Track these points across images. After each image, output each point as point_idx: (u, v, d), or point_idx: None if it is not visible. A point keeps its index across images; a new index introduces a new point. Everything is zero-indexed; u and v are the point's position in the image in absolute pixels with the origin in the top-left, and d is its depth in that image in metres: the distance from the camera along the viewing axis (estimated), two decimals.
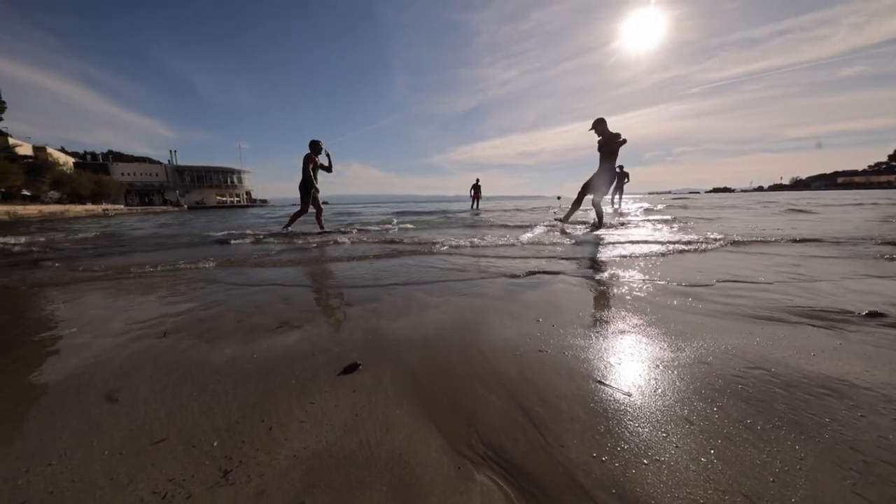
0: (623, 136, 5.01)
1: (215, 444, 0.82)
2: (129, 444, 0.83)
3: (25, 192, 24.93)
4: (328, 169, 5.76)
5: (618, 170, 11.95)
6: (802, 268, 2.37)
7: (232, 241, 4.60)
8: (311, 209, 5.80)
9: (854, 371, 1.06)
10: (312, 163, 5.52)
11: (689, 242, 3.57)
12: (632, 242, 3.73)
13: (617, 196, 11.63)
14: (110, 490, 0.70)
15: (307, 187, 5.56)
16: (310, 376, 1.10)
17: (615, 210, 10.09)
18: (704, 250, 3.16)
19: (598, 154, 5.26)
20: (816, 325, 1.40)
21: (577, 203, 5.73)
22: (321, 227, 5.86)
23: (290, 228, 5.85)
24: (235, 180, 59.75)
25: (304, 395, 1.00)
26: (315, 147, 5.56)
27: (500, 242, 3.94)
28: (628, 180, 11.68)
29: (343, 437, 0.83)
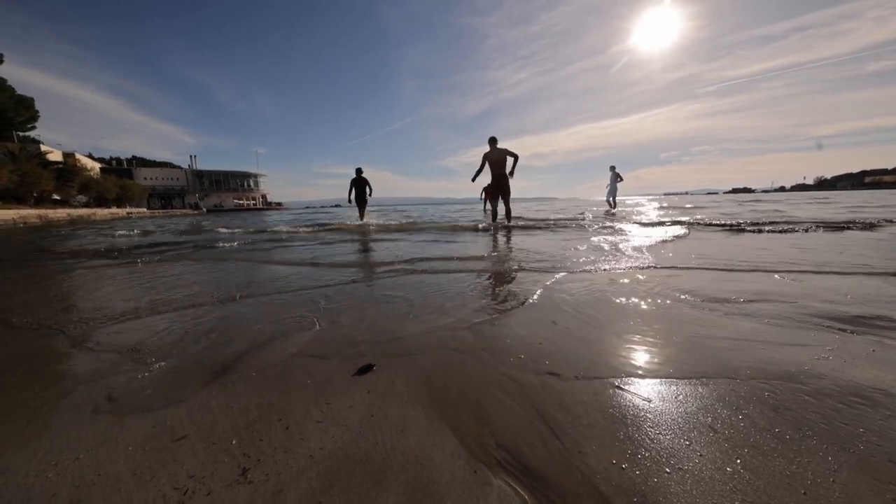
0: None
1: (234, 442, 0.83)
2: (152, 440, 0.85)
3: (56, 197, 26.06)
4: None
5: (610, 171, 12.34)
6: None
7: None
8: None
9: (890, 379, 1.01)
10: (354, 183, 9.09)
11: None
12: None
13: (612, 197, 12.72)
14: (134, 485, 0.72)
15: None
16: (325, 377, 1.11)
17: (608, 211, 11.36)
18: None
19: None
20: (847, 331, 1.34)
21: (494, 209, 7.20)
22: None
23: (365, 219, 8.97)
24: (252, 184, 61.07)
25: (320, 395, 1.01)
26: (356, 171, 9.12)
27: None
28: (622, 180, 12.47)
29: (359, 438, 0.83)
